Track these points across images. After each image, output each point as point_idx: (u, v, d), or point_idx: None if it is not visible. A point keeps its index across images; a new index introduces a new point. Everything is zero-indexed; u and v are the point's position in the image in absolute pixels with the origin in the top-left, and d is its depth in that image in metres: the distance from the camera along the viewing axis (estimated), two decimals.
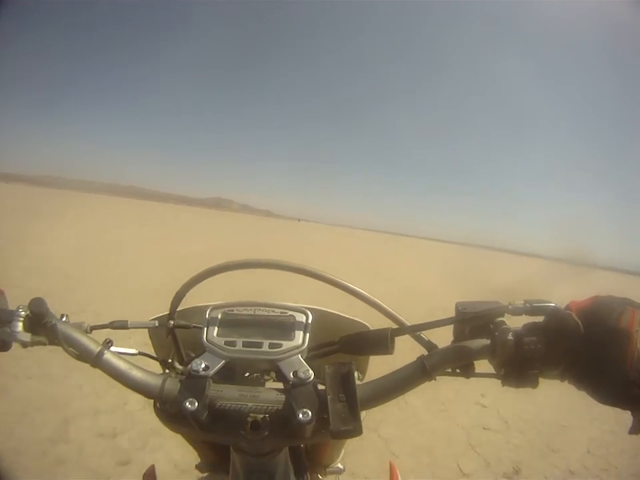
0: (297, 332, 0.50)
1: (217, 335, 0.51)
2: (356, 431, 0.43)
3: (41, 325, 0.48)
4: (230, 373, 0.52)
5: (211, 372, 0.48)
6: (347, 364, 0.46)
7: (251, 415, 0.46)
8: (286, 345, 0.49)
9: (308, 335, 0.51)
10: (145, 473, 0.82)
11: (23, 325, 0.49)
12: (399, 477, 0.82)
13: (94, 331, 0.56)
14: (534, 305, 0.43)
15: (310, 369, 0.47)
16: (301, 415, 0.43)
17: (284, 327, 0.51)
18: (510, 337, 0.42)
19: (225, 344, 0.50)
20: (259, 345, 0.49)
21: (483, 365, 0.47)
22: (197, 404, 0.44)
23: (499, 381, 0.45)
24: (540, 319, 0.44)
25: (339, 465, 0.85)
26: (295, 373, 0.47)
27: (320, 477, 0.81)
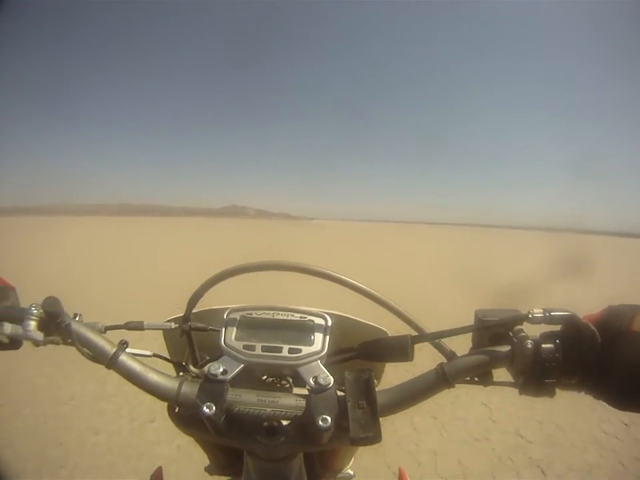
0: (316, 337, 0.50)
1: (235, 338, 0.51)
2: (376, 437, 0.43)
3: (55, 324, 0.48)
4: (247, 377, 0.51)
5: (229, 376, 0.47)
6: (367, 370, 0.46)
7: (268, 420, 0.46)
8: (305, 350, 0.49)
9: (328, 340, 0.50)
10: (152, 475, 0.81)
11: (36, 323, 0.48)
12: None
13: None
14: (552, 313, 0.43)
15: (330, 375, 0.47)
16: (320, 422, 0.43)
17: (303, 332, 0.51)
18: (529, 345, 0.42)
19: (243, 348, 0.49)
20: (279, 350, 0.49)
21: (499, 373, 0.47)
22: (214, 408, 0.44)
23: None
24: (557, 327, 0.44)
25: (350, 471, 0.84)
26: (315, 379, 0.46)
27: None
